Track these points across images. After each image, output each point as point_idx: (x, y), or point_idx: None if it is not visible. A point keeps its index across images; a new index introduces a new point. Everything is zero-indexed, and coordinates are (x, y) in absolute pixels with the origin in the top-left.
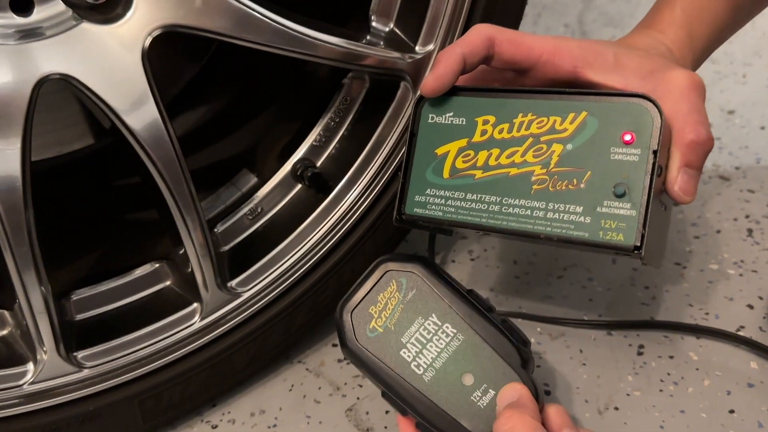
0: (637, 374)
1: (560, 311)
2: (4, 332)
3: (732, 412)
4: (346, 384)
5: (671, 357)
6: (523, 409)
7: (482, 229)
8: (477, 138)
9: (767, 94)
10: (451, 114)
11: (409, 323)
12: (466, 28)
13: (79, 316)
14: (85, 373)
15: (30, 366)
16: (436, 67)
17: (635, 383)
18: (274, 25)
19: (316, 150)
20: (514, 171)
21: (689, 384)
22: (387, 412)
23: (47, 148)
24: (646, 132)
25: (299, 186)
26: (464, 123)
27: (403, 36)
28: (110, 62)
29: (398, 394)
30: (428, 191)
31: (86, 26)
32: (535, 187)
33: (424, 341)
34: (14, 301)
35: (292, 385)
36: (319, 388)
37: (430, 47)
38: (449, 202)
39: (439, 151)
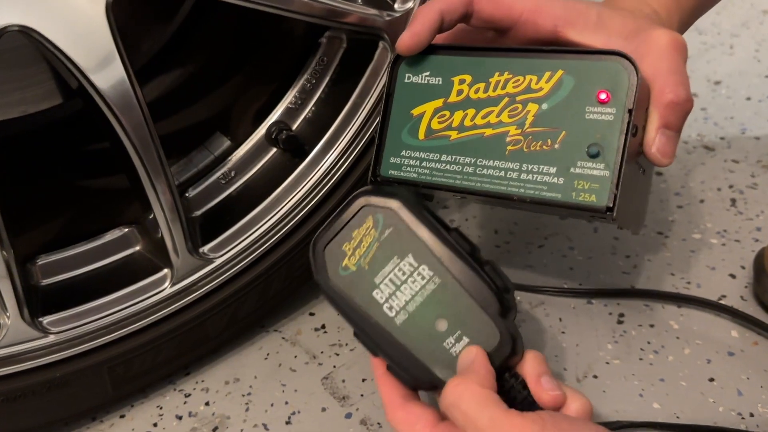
0: (617, 343)
1: (540, 280)
2: None
3: (712, 380)
4: (322, 353)
5: (652, 326)
6: (472, 376)
7: (456, 191)
8: (453, 98)
9: (754, 65)
10: (428, 73)
11: (383, 263)
12: None
13: (45, 281)
14: (51, 338)
15: None
16: (413, 24)
17: (615, 352)
18: None
19: (291, 113)
20: (489, 132)
21: (669, 352)
22: (363, 380)
23: (11, 107)
24: (622, 90)
25: (274, 150)
26: (440, 83)
27: None
28: (74, 15)
29: (369, 336)
30: (403, 153)
31: None
32: (509, 147)
33: (398, 283)
34: None
35: (268, 354)
36: (295, 357)
37: (410, 4)
38: (424, 163)
39: (415, 111)
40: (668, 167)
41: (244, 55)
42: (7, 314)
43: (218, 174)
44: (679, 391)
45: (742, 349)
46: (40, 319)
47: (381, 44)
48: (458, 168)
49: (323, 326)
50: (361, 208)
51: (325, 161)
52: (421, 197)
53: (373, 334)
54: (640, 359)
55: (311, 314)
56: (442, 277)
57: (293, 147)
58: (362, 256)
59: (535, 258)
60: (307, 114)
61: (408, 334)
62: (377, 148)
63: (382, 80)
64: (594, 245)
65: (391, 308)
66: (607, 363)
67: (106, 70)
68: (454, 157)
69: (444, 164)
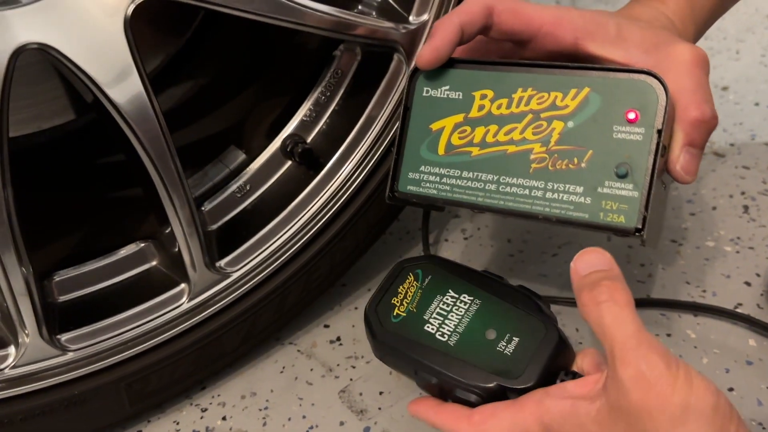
0: None
1: (555, 290)
2: None
3: (731, 390)
4: (338, 365)
5: (668, 335)
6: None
7: (478, 209)
8: (474, 113)
9: (761, 71)
10: (447, 87)
11: (429, 302)
12: None
13: (63, 298)
14: (70, 356)
15: (11, 349)
16: (433, 38)
17: None
18: None
19: (306, 125)
20: (512, 148)
21: (687, 362)
22: (381, 393)
23: (26, 123)
24: (651, 110)
25: (289, 163)
26: (461, 97)
27: (396, 5)
28: (91, 31)
29: (429, 364)
30: (422, 168)
31: None
32: (534, 165)
33: (445, 313)
34: None
35: (284, 367)
36: (311, 370)
37: (425, 17)
38: (444, 179)
39: (434, 126)
40: None
41: (257, 68)
42: (26, 332)
43: (234, 187)
44: None
45: (761, 357)
46: (58, 336)
47: (396, 56)
48: (480, 185)
49: (338, 338)
50: (402, 269)
51: (341, 174)
52: (446, 259)
53: (433, 362)
54: None
55: (326, 326)
56: (482, 298)
57: (308, 160)
58: (410, 303)
59: (549, 267)
60: (321, 127)
61: (464, 350)
62: (395, 163)
63: (397, 93)
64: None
65: (443, 335)
66: None
67: (122, 84)
68: (475, 173)
69: (465, 181)
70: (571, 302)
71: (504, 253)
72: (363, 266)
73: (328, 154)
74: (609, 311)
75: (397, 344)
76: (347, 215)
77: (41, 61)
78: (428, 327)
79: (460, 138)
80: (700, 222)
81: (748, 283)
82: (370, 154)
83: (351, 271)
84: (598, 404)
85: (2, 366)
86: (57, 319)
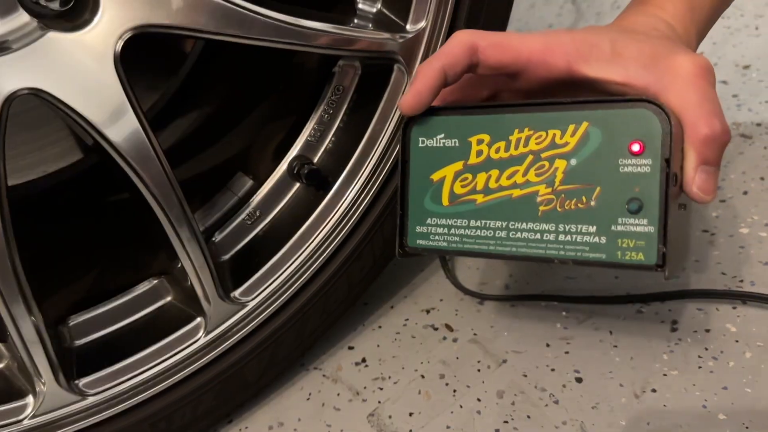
0: (672, 352)
1: (585, 292)
2: (1, 366)
3: None
4: (365, 388)
5: (707, 330)
6: None
7: (491, 257)
8: (473, 160)
9: None
10: (442, 136)
11: None
12: (457, 1)
13: (78, 342)
14: (90, 400)
15: (29, 399)
16: (414, 83)
17: (672, 362)
18: (252, 15)
19: (311, 145)
20: (517, 192)
21: (729, 358)
22: (411, 414)
23: (30, 169)
24: (656, 139)
25: (297, 185)
26: (457, 144)
27: (392, 15)
28: (81, 72)
29: None
30: (429, 221)
31: (53, 35)
32: (541, 208)
33: None
34: (7, 332)
35: (310, 394)
36: (338, 395)
37: (422, 24)
38: (452, 230)
39: (435, 176)
40: None
41: (258, 92)
42: (43, 380)
43: (243, 215)
44: (744, 399)
45: None
46: (77, 381)
47: (396, 67)
48: (490, 233)
49: (364, 360)
50: None
51: (350, 191)
52: None
53: None
54: (699, 368)
55: (350, 348)
56: None
57: (316, 180)
58: None
59: (577, 269)
60: (327, 145)
61: None
62: (400, 219)
63: None
64: None
65: None
66: (665, 375)
67: (119, 123)
68: (483, 222)
69: (474, 230)
70: (605, 300)
71: None
72: (384, 282)
73: (336, 173)
74: None
75: None
76: (361, 232)
77: (40, 105)
78: None
79: (462, 186)
80: (731, 209)
81: None
82: (380, 169)
83: (371, 288)
84: None
85: (21, 417)
86: (74, 364)
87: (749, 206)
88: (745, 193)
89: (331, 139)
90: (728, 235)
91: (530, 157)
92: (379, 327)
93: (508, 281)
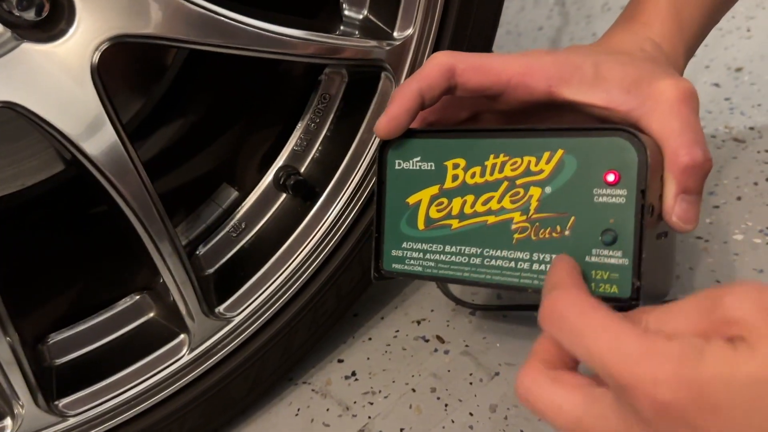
0: None
1: None
2: None
3: None
4: (355, 403)
5: None
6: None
7: (465, 284)
8: (449, 184)
9: None
10: (419, 159)
11: None
12: (445, 7)
13: (58, 361)
14: (70, 422)
15: (7, 422)
16: (390, 107)
17: None
18: (234, 24)
19: (298, 155)
20: (492, 219)
21: None
22: (401, 430)
23: (7, 182)
24: (631, 170)
25: (284, 195)
26: (433, 168)
27: (378, 22)
28: (56, 84)
29: None
30: (404, 245)
31: (27, 46)
32: (516, 236)
33: None
34: None
35: (299, 409)
36: (327, 410)
37: (409, 31)
38: (428, 255)
39: (411, 200)
40: None
41: (242, 101)
42: (20, 402)
43: (228, 227)
44: None
45: None
46: (56, 402)
47: (383, 75)
48: (464, 259)
49: (353, 373)
50: None
51: (339, 201)
52: None
53: None
54: None
55: (340, 361)
56: None
57: (303, 190)
58: None
59: None
60: (314, 155)
61: None
62: (376, 242)
63: None
64: None
65: None
66: None
67: (96, 136)
68: (458, 247)
69: (449, 255)
70: None
71: None
72: (374, 293)
73: (323, 183)
74: None
75: None
76: (350, 243)
77: (17, 117)
78: None
79: (438, 211)
80: (725, 215)
81: None
82: (368, 177)
83: (362, 299)
84: None
85: None
86: (54, 384)
87: (743, 212)
88: (739, 198)
89: (318, 149)
90: (722, 241)
91: (505, 183)
92: (369, 339)
93: (500, 291)
